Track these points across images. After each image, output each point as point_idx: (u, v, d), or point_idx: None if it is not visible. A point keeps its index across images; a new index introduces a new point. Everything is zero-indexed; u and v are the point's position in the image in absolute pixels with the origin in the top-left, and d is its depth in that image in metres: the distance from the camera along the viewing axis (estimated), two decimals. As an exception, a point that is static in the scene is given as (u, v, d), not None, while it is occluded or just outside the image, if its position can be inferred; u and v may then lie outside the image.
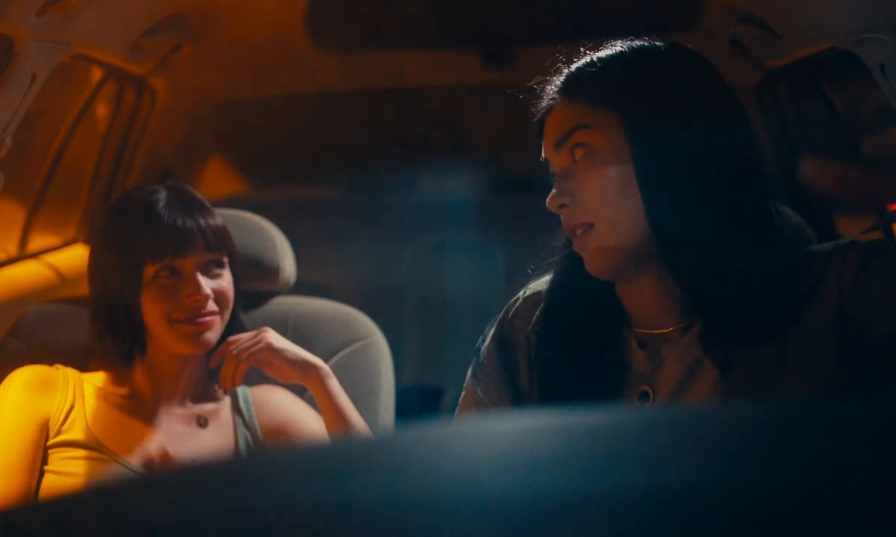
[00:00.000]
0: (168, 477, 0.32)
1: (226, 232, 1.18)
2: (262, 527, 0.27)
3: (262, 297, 1.42)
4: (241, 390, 1.24)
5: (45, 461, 1.06)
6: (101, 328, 1.15)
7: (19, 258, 1.78)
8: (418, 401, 1.95)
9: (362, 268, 2.33)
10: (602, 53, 0.87)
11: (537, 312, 0.94)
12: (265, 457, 0.36)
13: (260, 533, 0.27)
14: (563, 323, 0.91)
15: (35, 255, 1.82)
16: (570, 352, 0.89)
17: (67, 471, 1.05)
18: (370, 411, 1.30)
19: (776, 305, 0.79)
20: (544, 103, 0.89)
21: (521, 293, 0.99)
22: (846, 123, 1.81)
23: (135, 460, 1.09)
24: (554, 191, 0.85)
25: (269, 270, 1.39)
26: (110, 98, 1.98)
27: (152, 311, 1.11)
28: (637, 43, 0.87)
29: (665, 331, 0.86)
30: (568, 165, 0.85)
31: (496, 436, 0.32)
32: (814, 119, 1.92)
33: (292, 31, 1.96)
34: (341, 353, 1.37)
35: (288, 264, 1.42)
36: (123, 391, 1.15)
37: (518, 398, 0.94)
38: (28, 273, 1.73)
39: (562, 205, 0.85)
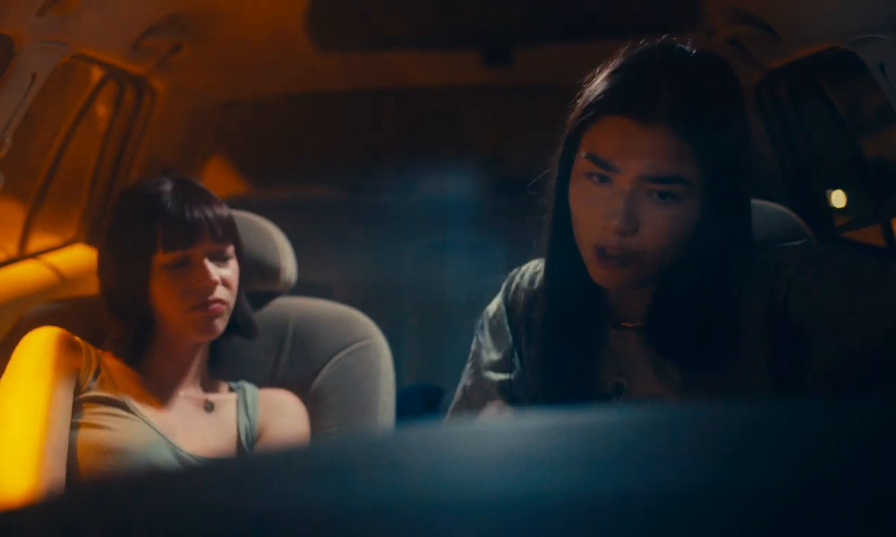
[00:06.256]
0: (168, 477, 0.32)
1: (232, 223, 1.21)
2: (261, 527, 0.27)
3: (262, 298, 1.42)
4: (251, 389, 1.27)
5: (79, 414, 1.08)
6: (112, 318, 1.19)
7: (19, 258, 1.78)
8: (418, 400, 1.95)
9: (362, 269, 2.33)
10: (699, 87, 0.82)
11: (529, 297, 1.00)
12: (265, 457, 0.36)
13: (260, 533, 0.27)
14: (553, 313, 0.94)
15: (35, 255, 1.82)
16: (558, 342, 0.94)
17: (103, 425, 1.07)
18: (370, 411, 1.30)
19: (708, 310, 0.85)
20: (642, 103, 0.79)
21: (523, 269, 1.04)
22: (846, 123, 1.81)
23: (158, 425, 1.12)
24: (624, 215, 0.80)
25: (269, 271, 1.39)
26: (110, 98, 1.98)
27: (164, 299, 1.14)
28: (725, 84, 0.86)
29: (633, 325, 0.91)
30: (644, 196, 0.80)
31: (496, 436, 0.32)
32: (814, 119, 1.92)
33: (292, 31, 1.96)
34: (341, 354, 1.37)
35: (288, 264, 1.42)
36: (136, 370, 1.19)
37: (517, 359, 1.00)
38: (28, 273, 1.73)
39: (624, 232, 0.81)
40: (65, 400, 1.06)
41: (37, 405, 1.03)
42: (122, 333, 1.18)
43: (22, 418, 1.02)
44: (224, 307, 1.17)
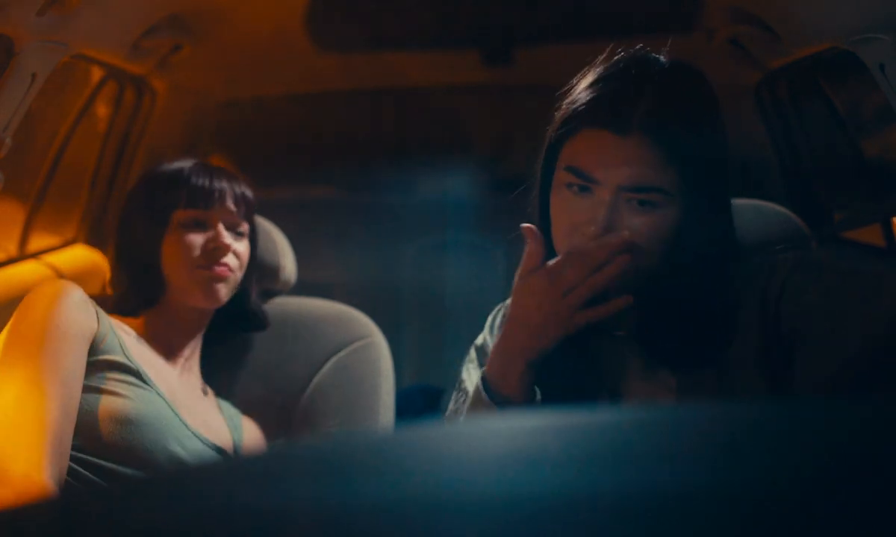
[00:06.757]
0: (168, 478, 0.32)
1: (253, 205, 1.25)
2: (262, 527, 0.27)
3: (262, 297, 1.42)
4: (235, 411, 1.27)
5: (99, 379, 1.02)
6: (120, 274, 1.21)
7: (19, 258, 1.78)
8: (418, 400, 1.95)
9: (362, 268, 2.33)
10: (674, 98, 0.82)
11: None
12: (265, 457, 0.36)
13: (260, 533, 0.27)
14: None
15: (35, 255, 1.82)
16: (550, 354, 0.90)
17: (121, 393, 1.03)
18: (370, 411, 1.30)
19: (696, 313, 0.85)
20: (618, 116, 0.80)
21: (508, 302, 1.02)
22: (846, 123, 1.81)
23: (168, 398, 1.10)
24: (604, 224, 0.81)
25: (269, 270, 1.39)
26: (110, 98, 1.98)
27: (174, 257, 1.16)
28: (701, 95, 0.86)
29: (625, 332, 0.90)
30: (623, 205, 0.81)
31: (496, 436, 0.32)
32: (814, 119, 1.92)
33: (292, 31, 1.96)
34: (341, 353, 1.37)
35: (288, 264, 1.42)
36: (142, 339, 1.17)
37: None
38: (28, 273, 1.73)
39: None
40: (78, 361, 0.99)
41: (49, 365, 0.95)
42: (127, 286, 1.20)
43: (30, 383, 0.93)
44: (230, 274, 1.18)
